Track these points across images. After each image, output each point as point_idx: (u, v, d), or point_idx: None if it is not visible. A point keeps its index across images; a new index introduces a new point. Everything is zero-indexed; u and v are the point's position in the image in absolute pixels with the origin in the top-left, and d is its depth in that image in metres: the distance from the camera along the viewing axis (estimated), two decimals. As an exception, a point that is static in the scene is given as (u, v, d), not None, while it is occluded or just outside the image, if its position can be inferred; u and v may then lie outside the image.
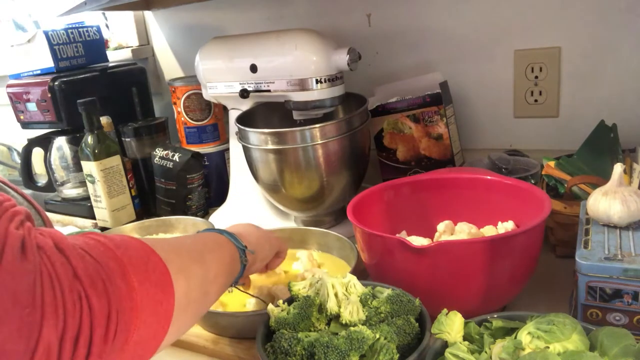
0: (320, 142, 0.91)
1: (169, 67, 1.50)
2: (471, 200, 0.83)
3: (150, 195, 1.22)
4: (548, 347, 0.50)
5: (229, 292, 0.67)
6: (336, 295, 0.62)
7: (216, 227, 1.10)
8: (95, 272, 0.38)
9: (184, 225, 1.07)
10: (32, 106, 1.24)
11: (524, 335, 0.51)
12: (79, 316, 0.36)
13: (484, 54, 1.06)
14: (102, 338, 0.37)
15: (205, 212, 1.21)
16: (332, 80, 0.94)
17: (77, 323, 0.36)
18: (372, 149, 1.05)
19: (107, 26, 1.54)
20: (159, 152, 1.16)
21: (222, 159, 1.25)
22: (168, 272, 0.45)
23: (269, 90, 0.98)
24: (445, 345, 0.53)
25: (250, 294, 0.74)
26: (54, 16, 1.50)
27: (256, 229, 0.73)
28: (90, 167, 1.11)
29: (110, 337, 0.38)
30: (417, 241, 0.77)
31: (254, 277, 0.82)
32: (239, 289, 0.73)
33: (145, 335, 0.42)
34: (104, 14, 1.52)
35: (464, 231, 0.78)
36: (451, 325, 0.54)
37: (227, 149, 1.20)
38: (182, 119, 1.22)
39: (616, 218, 0.62)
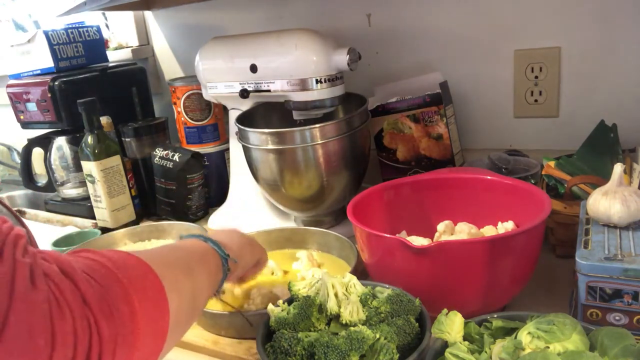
0: (320, 142, 0.91)
1: (169, 67, 1.50)
2: (471, 200, 0.83)
3: (150, 195, 1.22)
4: (548, 347, 0.50)
5: (218, 300, 0.68)
6: (336, 295, 0.62)
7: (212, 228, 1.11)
8: (101, 298, 0.39)
9: (177, 231, 1.05)
10: (32, 106, 1.24)
11: (524, 335, 0.51)
12: (87, 342, 0.37)
13: (484, 54, 1.06)
14: None
15: (205, 212, 1.21)
16: (332, 80, 0.94)
17: (86, 349, 0.37)
18: (372, 149, 1.05)
19: (107, 26, 1.54)
20: (159, 152, 1.16)
21: (222, 159, 1.25)
22: (164, 289, 0.46)
23: (269, 90, 0.98)
24: (445, 345, 0.53)
25: (232, 307, 0.74)
26: (54, 16, 1.49)
27: (239, 236, 0.72)
28: (90, 167, 1.11)
29: None
30: (417, 241, 0.77)
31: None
32: (222, 301, 0.73)
33: (143, 355, 0.42)
34: (104, 14, 1.52)
35: (464, 231, 0.78)
36: (451, 325, 0.54)
37: (227, 149, 1.20)
38: (182, 119, 1.22)
39: (616, 218, 0.62)
